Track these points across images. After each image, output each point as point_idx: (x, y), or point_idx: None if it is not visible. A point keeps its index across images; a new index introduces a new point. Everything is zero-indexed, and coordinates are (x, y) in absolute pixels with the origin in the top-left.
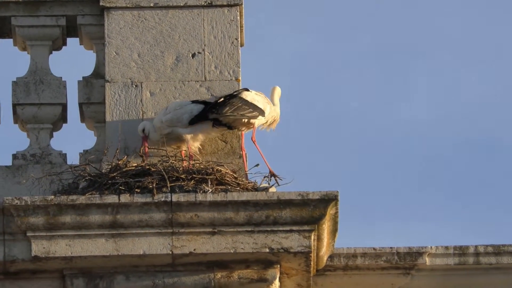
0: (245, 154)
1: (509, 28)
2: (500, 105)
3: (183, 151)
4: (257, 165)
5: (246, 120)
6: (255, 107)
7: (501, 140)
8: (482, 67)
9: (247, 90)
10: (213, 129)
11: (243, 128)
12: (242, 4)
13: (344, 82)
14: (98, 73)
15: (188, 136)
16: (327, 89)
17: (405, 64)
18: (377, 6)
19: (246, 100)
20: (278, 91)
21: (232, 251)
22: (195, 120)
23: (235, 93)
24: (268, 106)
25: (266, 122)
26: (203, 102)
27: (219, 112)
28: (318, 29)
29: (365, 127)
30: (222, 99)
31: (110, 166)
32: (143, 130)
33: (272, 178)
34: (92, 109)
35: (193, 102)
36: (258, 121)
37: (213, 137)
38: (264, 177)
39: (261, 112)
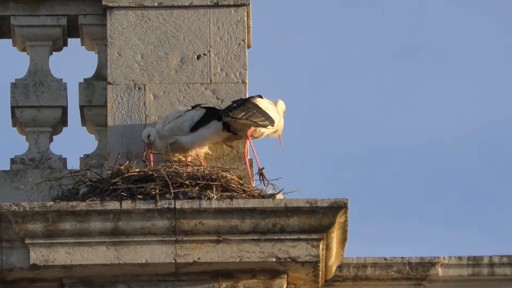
0: (249, 159)
1: None
2: None
3: (188, 158)
4: (263, 168)
5: (259, 129)
6: (267, 116)
7: None
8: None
9: (260, 97)
10: (217, 134)
11: (254, 137)
12: (249, 4)
13: (354, 87)
14: (100, 75)
15: (191, 144)
16: (337, 93)
17: (414, 69)
18: (392, 9)
19: (260, 107)
20: (281, 105)
21: (237, 260)
22: (197, 126)
23: (249, 99)
24: (278, 116)
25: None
26: (203, 107)
27: (234, 116)
28: (329, 31)
29: (375, 133)
30: (235, 104)
31: (111, 172)
32: (148, 136)
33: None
34: (94, 112)
35: (193, 107)
36: (267, 131)
37: (217, 143)
38: (256, 174)
39: (272, 122)
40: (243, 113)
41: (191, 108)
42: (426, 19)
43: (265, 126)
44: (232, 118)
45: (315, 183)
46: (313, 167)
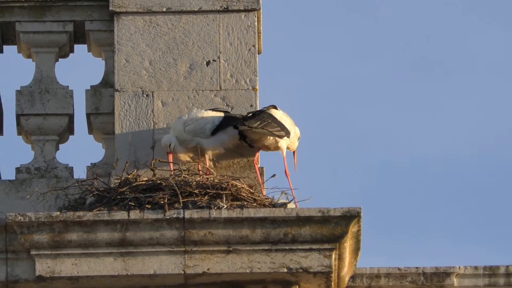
0: (259, 168)
1: None
2: None
3: (199, 165)
4: (274, 175)
5: (272, 138)
6: (282, 127)
7: None
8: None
9: (275, 107)
10: (233, 140)
11: (266, 148)
12: (260, 9)
13: (369, 97)
14: (107, 82)
15: (211, 147)
16: (351, 103)
17: (431, 82)
18: (408, 21)
19: (275, 118)
20: (297, 131)
21: (248, 271)
22: (217, 130)
23: (263, 109)
24: (293, 129)
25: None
26: (220, 111)
27: (250, 126)
28: (342, 39)
29: (389, 143)
30: (250, 114)
31: (119, 181)
32: (170, 145)
33: (289, 193)
34: (101, 120)
35: (212, 110)
36: (285, 143)
37: (231, 149)
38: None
39: (287, 133)
40: (259, 122)
41: (210, 110)
42: (442, 32)
43: (281, 136)
44: (248, 127)
45: (329, 196)
46: (328, 179)
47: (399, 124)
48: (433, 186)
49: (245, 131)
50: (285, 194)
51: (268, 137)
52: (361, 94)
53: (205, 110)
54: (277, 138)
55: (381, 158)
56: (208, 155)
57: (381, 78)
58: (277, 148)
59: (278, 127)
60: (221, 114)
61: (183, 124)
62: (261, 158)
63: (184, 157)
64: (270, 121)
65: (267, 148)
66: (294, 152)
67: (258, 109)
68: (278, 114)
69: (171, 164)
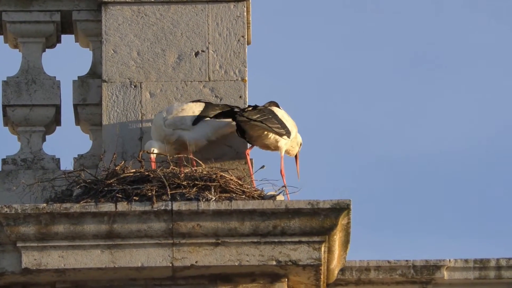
0: (250, 159)
1: None
2: None
3: (184, 156)
4: (263, 167)
5: (272, 136)
6: (283, 125)
7: None
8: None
9: (277, 105)
10: (218, 130)
11: (265, 147)
12: None
13: (361, 90)
14: (95, 73)
15: (193, 139)
16: (343, 95)
17: (424, 78)
18: (403, 16)
19: (276, 115)
20: (299, 137)
21: (236, 264)
22: (198, 120)
23: (265, 105)
24: (295, 130)
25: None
26: (202, 101)
27: (249, 117)
28: (334, 29)
29: (380, 137)
30: (250, 107)
31: (106, 172)
32: (153, 151)
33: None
34: (88, 111)
35: (193, 101)
36: (285, 142)
37: (217, 140)
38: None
39: (288, 133)
40: (258, 115)
41: (190, 102)
42: (439, 27)
43: (280, 134)
44: (246, 119)
45: (320, 190)
46: (319, 173)
47: (390, 118)
48: (423, 180)
49: (243, 124)
50: (273, 186)
51: (269, 135)
52: (354, 87)
53: (185, 103)
54: (277, 137)
55: (372, 152)
56: (192, 147)
57: (374, 71)
58: (276, 147)
59: (279, 124)
60: (202, 105)
61: (163, 118)
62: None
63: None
64: (270, 116)
65: (266, 147)
66: (296, 157)
67: (247, 100)
68: (280, 112)
69: (154, 164)
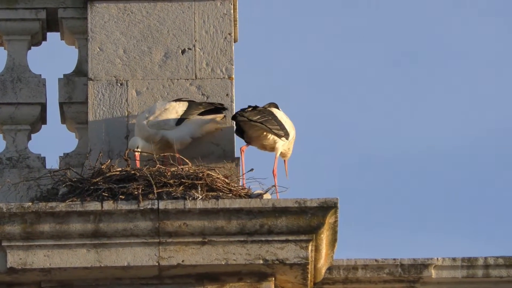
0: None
1: None
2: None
3: (170, 155)
4: (252, 170)
5: (271, 137)
6: (282, 127)
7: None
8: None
9: (276, 106)
10: (201, 129)
11: (263, 147)
12: None
13: (350, 87)
14: (81, 71)
15: (177, 138)
16: (328, 92)
17: (414, 75)
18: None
19: (276, 116)
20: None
21: (223, 263)
22: (182, 120)
23: (264, 106)
24: (293, 131)
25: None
26: (185, 100)
27: (250, 118)
28: (322, 26)
29: (368, 135)
30: (250, 107)
31: (92, 171)
32: (138, 147)
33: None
34: (74, 109)
35: (175, 100)
36: (282, 144)
37: (203, 138)
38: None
39: (286, 134)
40: (259, 116)
41: (172, 101)
42: (429, 23)
43: (279, 136)
44: (247, 119)
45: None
46: (307, 172)
47: (379, 117)
48: (412, 179)
49: (243, 124)
50: (261, 184)
51: (268, 136)
52: (343, 85)
53: (168, 102)
54: (275, 139)
55: (360, 151)
56: (177, 146)
57: (364, 70)
58: (273, 148)
59: (278, 126)
60: (185, 104)
61: (145, 119)
62: (236, 149)
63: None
64: (270, 118)
65: (264, 147)
66: (285, 161)
67: (234, 98)
68: (279, 113)
69: (138, 162)
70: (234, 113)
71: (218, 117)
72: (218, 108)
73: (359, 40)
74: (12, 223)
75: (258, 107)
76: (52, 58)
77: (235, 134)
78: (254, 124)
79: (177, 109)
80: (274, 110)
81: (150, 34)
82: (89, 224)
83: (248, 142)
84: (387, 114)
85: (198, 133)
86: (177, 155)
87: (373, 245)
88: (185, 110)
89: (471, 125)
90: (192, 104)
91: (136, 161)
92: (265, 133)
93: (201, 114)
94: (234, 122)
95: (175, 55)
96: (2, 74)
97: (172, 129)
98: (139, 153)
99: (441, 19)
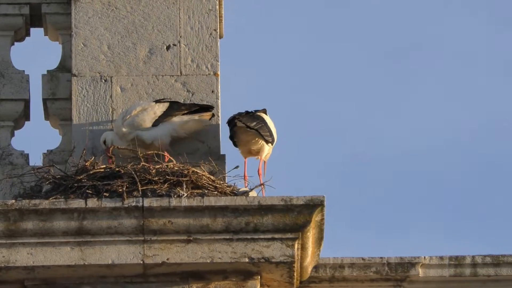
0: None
1: None
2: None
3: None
4: (237, 167)
5: (260, 143)
6: (271, 133)
7: (500, 146)
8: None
9: (265, 112)
10: (181, 128)
11: (249, 151)
12: None
13: (337, 85)
14: (64, 67)
15: (153, 137)
16: (314, 89)
17: (404, 71)
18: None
19: (266, 122)
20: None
21: (208, 261)
22: (159, 121)
23: (255, 111)
24: (276, 137)
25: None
26: (166, 101)
27: (248, 124)
28: (309, 22)
29: (355, 134)
30: (243, 113)
31: (76, 168)
32: (105, 142)
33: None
34: (57, 105)
35: (156, 101)
36: (268, 148)
37: (184, 137)
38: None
39: (273, 141)
40: (255, 123)
41: (153, 102)
42: (418, 19)
43: (267, 142)
44: (245, 126)
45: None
46: (293, 171)
47: (365, 115)
48: (398, 177)
49: (238, 130)
50: (246, 181)
51: (258, 142)
52: (329, 82)
53: (148, 102)
54: (264, 144)
55: (347, 150)
56: (155, 144)
57: (349, 67)
58: (258, 153)
59: (268, 133)
60: (166, 105)
61: (121, 119)
62: (222, 147)
63: (124, 152)
64: (263, 124)
65: (250, 152)
66: (264, 161)
67: (219, 94)
68: (268, 119)
69: (109, 160)
70: (230, 117)
71: (206, 115)
72: (203, 108)
73: (347, 37)
74: None
75: (251, 112)
76: (36, 54)
77: (228, 138)
78: (251, 131)
79: (155, 110)
80: (264, 116)
81: (135, 30)
82: (73, 221)
83: (236, 145)
84: (374, 113)
85: (178, 132)
86: (162, 153)
87: (359, 243)
88: (164, 111)
89: (457, 124)
90: (173, 105)
91: (107, 154)
92: (256, 139)
93: (186, 114)
94: (228, 127)
95: (160, 51)
96: None
97: (149, 130)
98: (111, 147)
99: (433, 17)
